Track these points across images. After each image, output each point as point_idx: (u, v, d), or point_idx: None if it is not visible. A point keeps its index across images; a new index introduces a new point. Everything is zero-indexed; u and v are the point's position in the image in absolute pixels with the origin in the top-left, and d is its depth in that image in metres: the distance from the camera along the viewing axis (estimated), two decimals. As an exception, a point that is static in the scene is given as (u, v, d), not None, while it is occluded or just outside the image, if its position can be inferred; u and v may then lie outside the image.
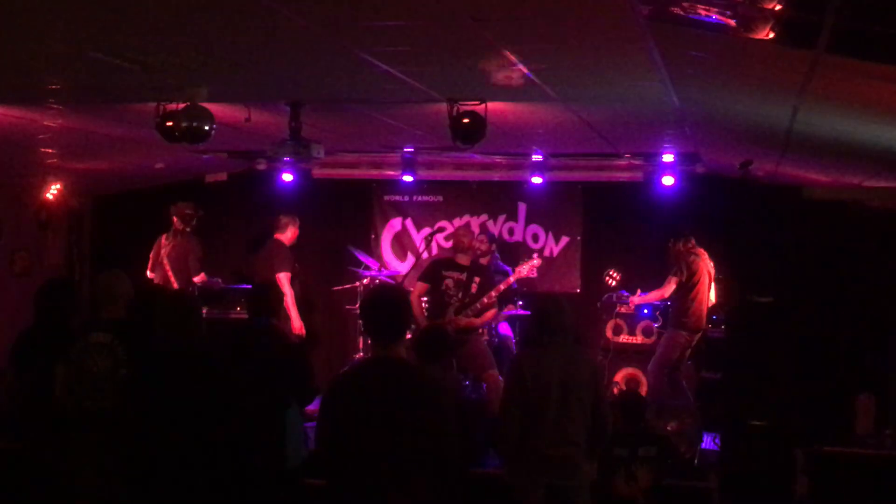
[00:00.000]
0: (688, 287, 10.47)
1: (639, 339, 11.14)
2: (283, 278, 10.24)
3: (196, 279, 11.05)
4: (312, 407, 6.73)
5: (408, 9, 4.51)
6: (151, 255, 11.15)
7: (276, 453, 6.33)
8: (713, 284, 10.58)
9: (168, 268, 10.94)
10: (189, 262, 11.08)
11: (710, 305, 10.57)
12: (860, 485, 7.84)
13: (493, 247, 11.23)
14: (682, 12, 4.23)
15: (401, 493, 4.57)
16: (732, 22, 4.16)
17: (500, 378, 10.04)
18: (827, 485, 7.90)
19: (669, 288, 10.55)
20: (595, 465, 6.47)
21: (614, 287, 11.22)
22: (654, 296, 10.75)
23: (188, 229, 11.12)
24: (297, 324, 10.30)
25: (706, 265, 10.53)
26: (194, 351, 5.89)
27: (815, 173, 10.25)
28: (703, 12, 4.17)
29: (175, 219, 11.10)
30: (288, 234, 10.80)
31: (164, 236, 11.15)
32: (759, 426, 8.16)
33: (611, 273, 11.17)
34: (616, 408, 7.51)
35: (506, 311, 11.01)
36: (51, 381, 6.28)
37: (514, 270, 10.36)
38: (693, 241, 10.56)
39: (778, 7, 3.85)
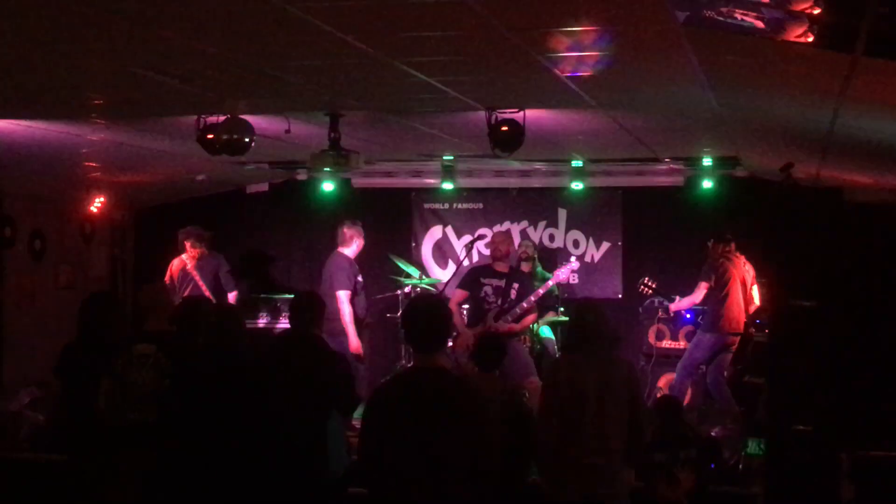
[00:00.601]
0: (717, 291, 10.42)
1: (682, 344, 11.06)
2: (342, 296, 9.67)
3: (231, 295, 11.05)
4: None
5: (445, 20, 4.53)
6: (173, 278, 10.93)
7: (318, 462, 6.36)
8: (756, 287, 10.47)
9: (203, 286, 10.85)
10: (221, 277, 11.09)
11: (752, 309, 10.46)
12: (907, 490, 7.76)
13: (535, 254, 11.25)
14: (718, 17, 4.22)
15: (441, 502, 4.59)
16: (769, 25, 4.15)
17: (541, 384, 10.05)
18: (873, 490, 7.82)
19: (700, 293, 10.52)
20: (633, 473, 6.44)
21: (651, 295, 11.15)
22: (686, 302, 10.70)
23: (205, 250, 11.03)
24: (354, 342, 9.62)
25: (740, 270, 10.43)
26: (236, 361, 5.94)
27: (857, 176, 10.16)
28: (740, 16, 4.16)
29: (188, 243, 10.92)
30: (353, 247, 10.10)
31: (180, 259, 11.00)
32: (804, 431, 8.08)
33: (645, 281, 11.10)
34: (653, 412, 7.49)
35: (547, 316, 11.02)
36: (96, 393, 6.35)
37: (552, 275, 10.35)
38: (732, 246, 10.48)
39: (816, 11, 3.84)
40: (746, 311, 10.41)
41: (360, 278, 10.11)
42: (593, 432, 6.01)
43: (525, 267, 10.94)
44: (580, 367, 6.12)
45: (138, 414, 6.13)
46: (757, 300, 10.49)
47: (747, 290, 10.47)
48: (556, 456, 6.08)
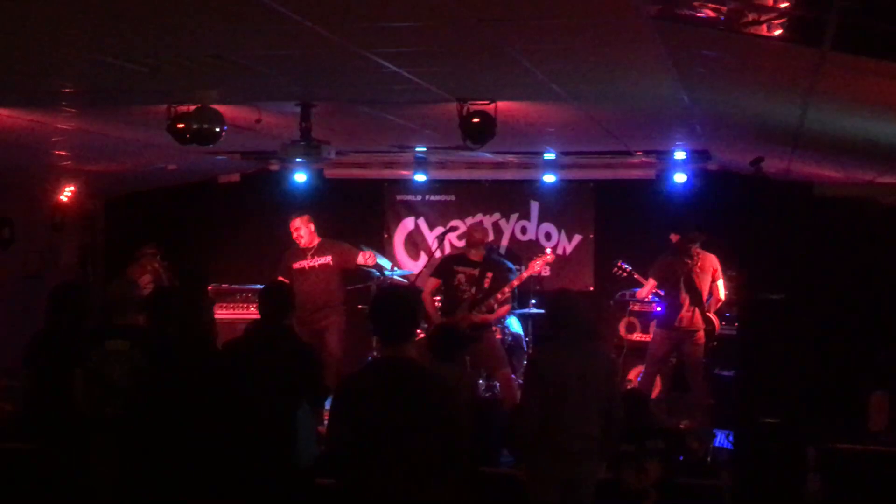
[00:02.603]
0: (665, 288, 10.46)
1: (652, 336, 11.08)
2: None
3: None
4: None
5: (415, 10, 4.52)
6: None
7: (287, 453, 6.35)
8: (721, 281, 10.42)
9: None
10: None
11: (714, 303, 10.42)
12: (873, 482, 7.82)
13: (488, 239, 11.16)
14: (688, 11, 4.24)
15: (410, 493, 4.60)
16: (738, 19, 4.17)
17: (513, 376, 10.07)
18: (839, 482, 7.89)
19: (645, 289, 10.60)
20: (603, 465, 6.51)
21: (626, 278, 11.16)
22: (641, 293, 10.84)
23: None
24: None
25: (691, 267, 10.32)
26: (206, 351, 5.93)
27: (826, 170, 10.23)
28: (710, 12, 4.18)
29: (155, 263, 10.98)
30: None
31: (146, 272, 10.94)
32: (772, 423, 8.16)
33: (620, 265, 11.14)
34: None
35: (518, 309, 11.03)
36: (67, 384, 6.32)
37: (527, 266, 10.36)
38: (689, 248, 10.34)
39: (784, 4, 3.86)
40: (707, 306, 10.37)
41: (294, 263, 10.59)
42: (574, 419, 6.13)
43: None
44: (561, 356, 6.21)
45: (114, 408, 6.11)
46: (722, 294, 10.43)
47: (704, 286, 10.32)
48: (537, 443, 6.15)
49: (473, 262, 9.92)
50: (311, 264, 10.52)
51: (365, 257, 10.49)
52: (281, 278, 10.15)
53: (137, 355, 6.19)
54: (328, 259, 10.56)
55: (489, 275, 9.85)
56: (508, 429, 8.34)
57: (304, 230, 10.56)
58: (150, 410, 5.73)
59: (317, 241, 10.64)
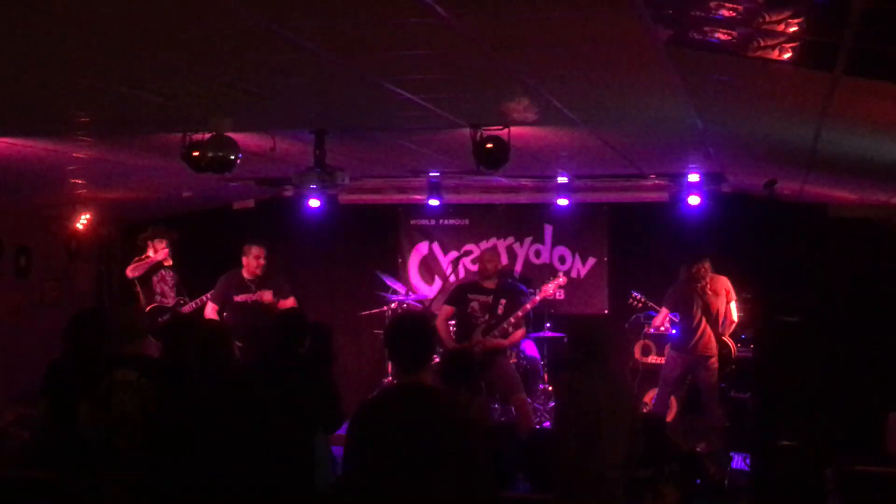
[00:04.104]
0: (679, 315, 10.43)
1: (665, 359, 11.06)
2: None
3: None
4: (340, 433, 6.76)
5: (428, 39, 4.55)
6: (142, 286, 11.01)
7: (304, 480, 6.35)
8: (734, 304, 10.38)
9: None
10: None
11: (728, 326, 10.36)
12: (893, 504, 7.79)
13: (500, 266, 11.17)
14: (699, 36, 4.26)
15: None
16: (749, 44, 4.18)
17: (528, 400, 10.06)
18: (859, 504, 7.85)
19: (660, 317, 10.59)
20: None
21: (641, 308, 11.17)
22: (655, 321, 10.82)
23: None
24: None
25: (703, 293, 10.29)
26: (225, 379, 5.93)
27: (841, 191, 10.22)
28: (721, 36, 4.19)
29: (159, 242, 11.04)
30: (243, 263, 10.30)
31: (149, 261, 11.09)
32: (790, 446, 8.12)
33: (634, 296, 11.14)
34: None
35: (532, 333, 11.01)
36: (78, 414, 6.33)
37: (540, 290, 10.36)
38: (697, 268, 10.35)
39: (795, 29, 3.87)
40: (722, 329, 10.35)
41: (236, 296, 10.21)
42: (608, 447, 6.10)
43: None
44: (593, 383, 6.20)
45: (123, 440, 6.10)
46: (735, 316, 10.40)
47: (719, 310, 10.32)
48: (575, 471, 6.14)
49: (487, 289, 9.92)
50: (254, 298, 10.18)
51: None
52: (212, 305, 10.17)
53: (146, 386, 6.19)
54: (269, 294, 10.17)
55: (503, 301, 9.85)
56: (525, 453, 8.33)
57: (263, 260, 10.23)
58: (163, 440, 5.73)
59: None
